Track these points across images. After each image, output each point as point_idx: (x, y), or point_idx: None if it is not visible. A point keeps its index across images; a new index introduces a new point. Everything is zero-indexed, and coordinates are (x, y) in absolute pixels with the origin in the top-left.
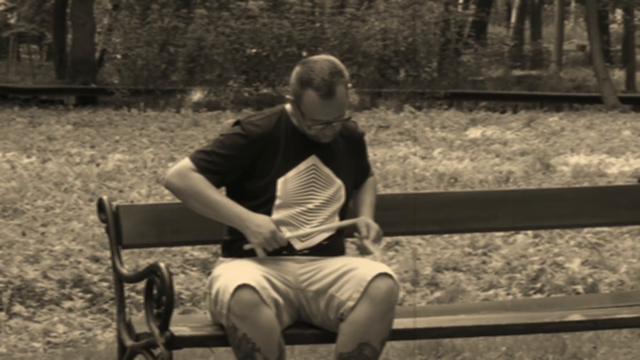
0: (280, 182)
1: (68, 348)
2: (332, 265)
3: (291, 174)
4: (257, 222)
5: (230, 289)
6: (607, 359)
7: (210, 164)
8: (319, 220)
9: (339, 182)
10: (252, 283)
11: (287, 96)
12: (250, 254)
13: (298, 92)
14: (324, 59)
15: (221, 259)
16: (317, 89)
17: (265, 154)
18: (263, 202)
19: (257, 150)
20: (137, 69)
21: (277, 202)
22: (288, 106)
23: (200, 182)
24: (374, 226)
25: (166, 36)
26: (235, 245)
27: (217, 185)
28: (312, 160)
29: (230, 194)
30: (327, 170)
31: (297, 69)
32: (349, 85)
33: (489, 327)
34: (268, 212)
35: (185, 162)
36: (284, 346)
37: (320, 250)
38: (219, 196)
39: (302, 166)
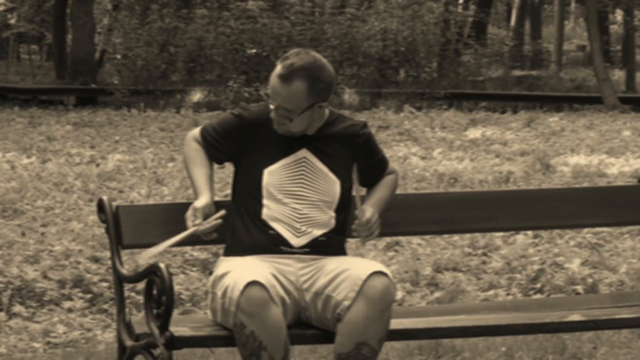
0: (266, 172)
1: (68, 348)
2: (329, 265)
3: (277, 165)
4: (196, 201)
5: (240, 286)
6: (607, 359)
7: (209, 136)
8: (312, 216)
9: (333, 177)
10: (262, 280)
11: None
12: (252, 252)
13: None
14: (316, 57)
15: (222, 257)
16: (282, 67)
17: (256, 143)
18: (253, 193)
19: (247, 135)
20: (137, 69)
21: (264, 192)
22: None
23: (192, 152)
24: (368, 214)
25: (166, 36)
26: (236, 243)
27: (213, 157)
28: (302, 153)
29: (233, 185)
30: (320, 165)
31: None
32: (322, 103)
33: (489, 327)
34: (259, 203)
35: (195, 130)
36: (289, 345)
37: (320, 247)
38: (196, 169)
39: (290, 159)
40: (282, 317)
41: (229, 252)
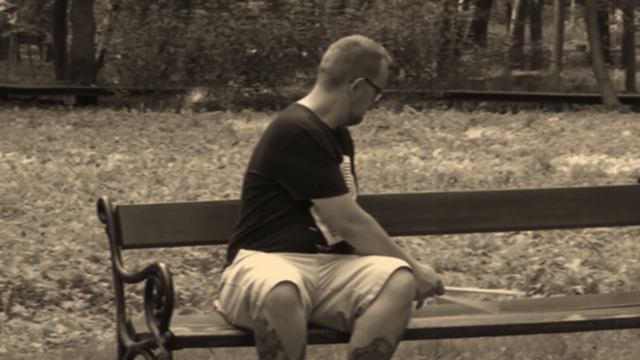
0: None
1: (68, 348)
2: (347, 264)
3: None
4: (424, 272)
5: (272, 283)
6: (607, 359)
7: (343, 180)
8: None
9: (351, 176)
10: (295, 281)
11: (354, 81)
12: (276, 249)
13: (374, 66)
14: (357, 36)
15: (244, 250)
16: (385, 57)
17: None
18: (304, 202)
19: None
20: (137, 69)
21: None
22: (304, 111)
23: (376, 224)
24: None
25: (166, 36)
26: (264, 238)
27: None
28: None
29: (275, 199)
30: (348, 164)
31: (353, 50)
32: None
33: (489, 327)
34: (307, 210)
35: (346, 202)
36: (306, 349)
37: (343, 245)
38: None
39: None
40: (304, 320)
41: (253, 247)
